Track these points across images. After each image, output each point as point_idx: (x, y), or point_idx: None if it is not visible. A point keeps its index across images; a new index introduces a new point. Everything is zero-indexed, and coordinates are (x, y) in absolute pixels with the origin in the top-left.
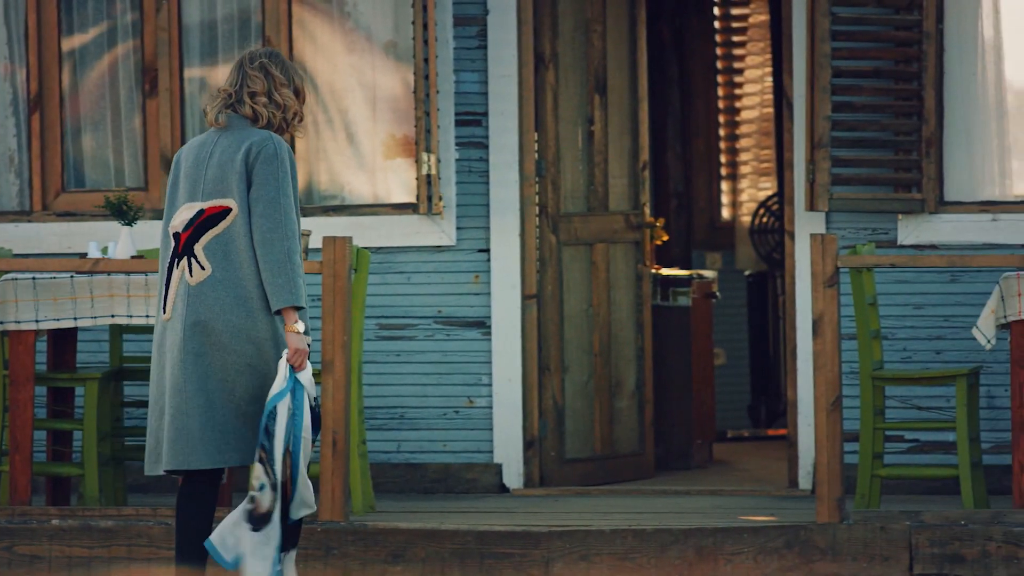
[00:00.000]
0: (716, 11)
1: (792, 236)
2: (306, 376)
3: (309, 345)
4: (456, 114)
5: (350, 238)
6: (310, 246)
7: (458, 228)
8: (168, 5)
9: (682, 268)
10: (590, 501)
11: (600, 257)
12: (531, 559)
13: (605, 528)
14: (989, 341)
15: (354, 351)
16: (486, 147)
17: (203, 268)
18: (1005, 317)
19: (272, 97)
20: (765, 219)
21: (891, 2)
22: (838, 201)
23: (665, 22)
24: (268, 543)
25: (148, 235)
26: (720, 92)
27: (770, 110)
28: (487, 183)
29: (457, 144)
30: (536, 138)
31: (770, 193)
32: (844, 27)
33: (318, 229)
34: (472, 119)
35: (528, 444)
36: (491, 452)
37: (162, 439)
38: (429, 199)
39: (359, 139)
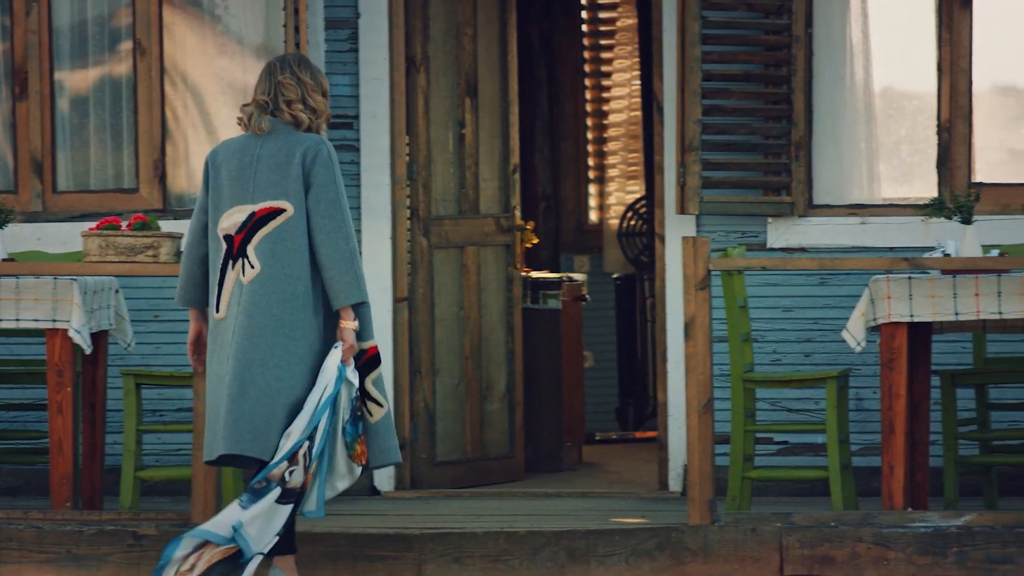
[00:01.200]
0: (584, 14)
1: (663, 239)
2: (352, 372)
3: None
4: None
5: None
6: (181, 249)
7: None
8: (38, 7)
9: (551, 271)
10: (461, 503)
11: (471, 260)
12: (404, 561)
13: (478, 530)
14: (859, 344)
15: None
16: (357, 150)
17: (253, 267)
18: (875, 320)
19: (307, 103)
20: (633, 222)
21: (761, 6)
22: (708, 204)
23: (534, 25)
24: (270, 523)
25: (19, 237)
26: (588, 95)
27: (638, 113)
28: (358, 186)
29: None
30: (407, 141)
31: (638, 196)
32: (714, 31)
33: None
34: (343, 122)
35: (400, 446)
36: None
37: (217, 431)
38: None
39: None
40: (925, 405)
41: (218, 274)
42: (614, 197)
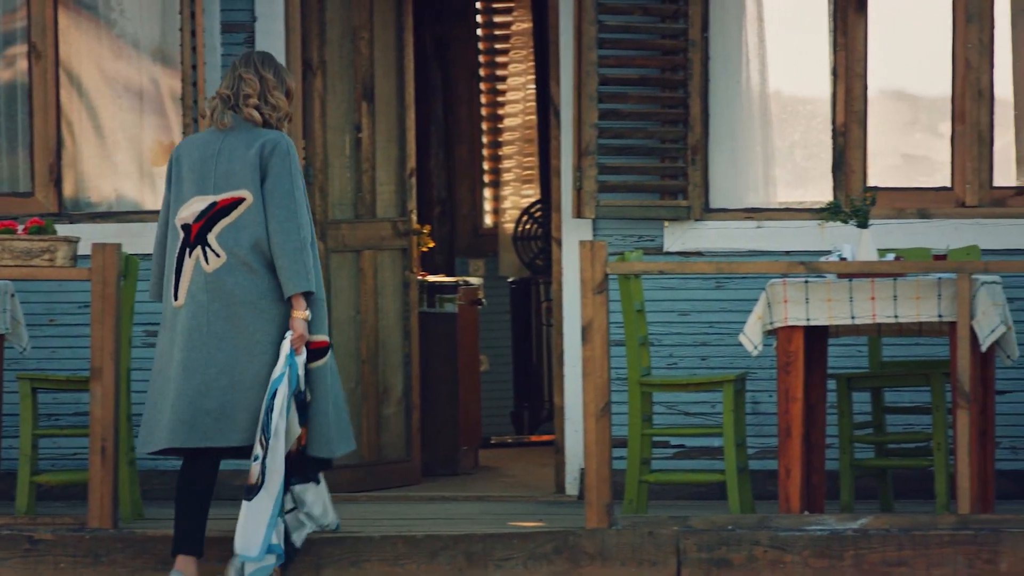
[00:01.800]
0: (479, 18)
1: (559, 243)
2: (300, 360)
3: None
4: None
5: (119, 245)
6: (79, 253)
7: None
8: None
9: (446, 275)
10: (359, 507)
11: (368, 264)
12: (302, 565)
13: (375, 534)
14: (756, 347)
15: (123, 358)
16: None
17: (218, 256)
18: (772, 323)
19: (266, 99)
20: (528, 226)
21: (657, 11)
22: (605, 208)
23: (428, 29)
24: (261, 512)
25: None
26: (483, 99)
27: (533, 117)
28: None
29: None
30: (304, 145)
31: (533, 200)
32: (611, 35)
33: (87, 236)
34: None
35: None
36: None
37: (161, 420)
38: None
39: (127, 145)
40: (821, 408)
41: (175, 262)
42: (509, 201)
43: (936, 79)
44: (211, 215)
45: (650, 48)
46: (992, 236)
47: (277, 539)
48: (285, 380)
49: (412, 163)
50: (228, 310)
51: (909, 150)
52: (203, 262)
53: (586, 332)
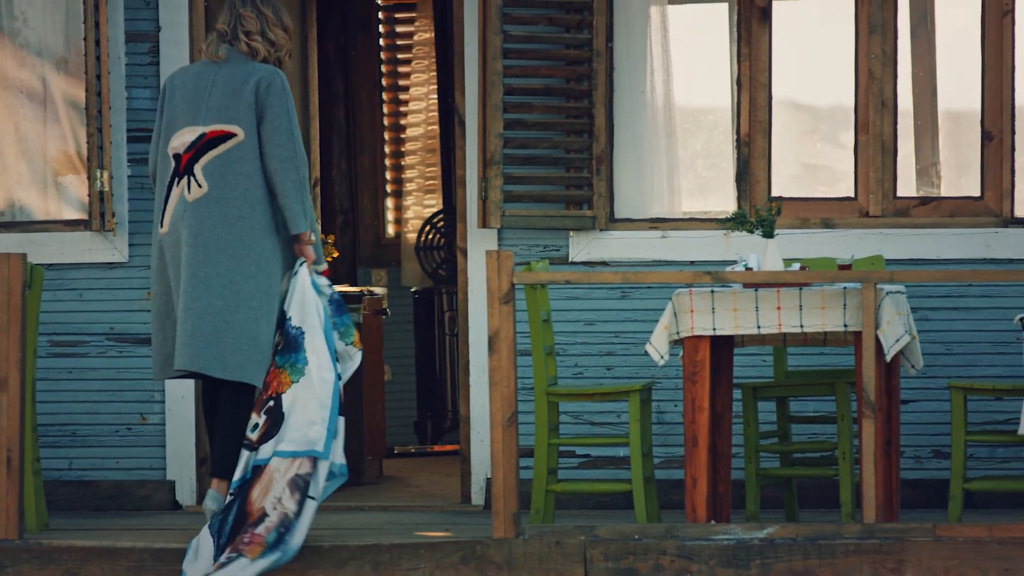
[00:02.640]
0: (381, 28)
1: (464, 253)
2: (322, 281)
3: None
4: (128, 130)
5: (24, 255)
6: None
7: (130, 245)
8: None
9: (349, 285)
10: None
11: None
12: None
13: None
14: (663, 357)
15: (28, 368)
16: None
17: (200, 186)
18: (678, 333)
19: (265, 35)
20: (431, 236)
21: (562, 21)
22: (510, 218)
23: (330, 39)
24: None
25: None
26: (386, 109)
27: (435, 127)
28: None
29: (129, 161)
30: None
31: (436, 210)
32: (516, 45)
33: None
34: (145, 135)
35: (201, 461)
36: (164, 469)
37: (169, 347)
38: (102, 216)
39: (31, 155)
40: (727, 418)
41: (164, 190)
42: (412, 211)
43: (839, 89)
44: (200, 146)
45: (555, 58)
46: (896, 246)
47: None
48: (321, 302)
49: (316, 173)
50: (205, 241)
51: (812, 160)
52: (186, 192)
53: (493, 342)
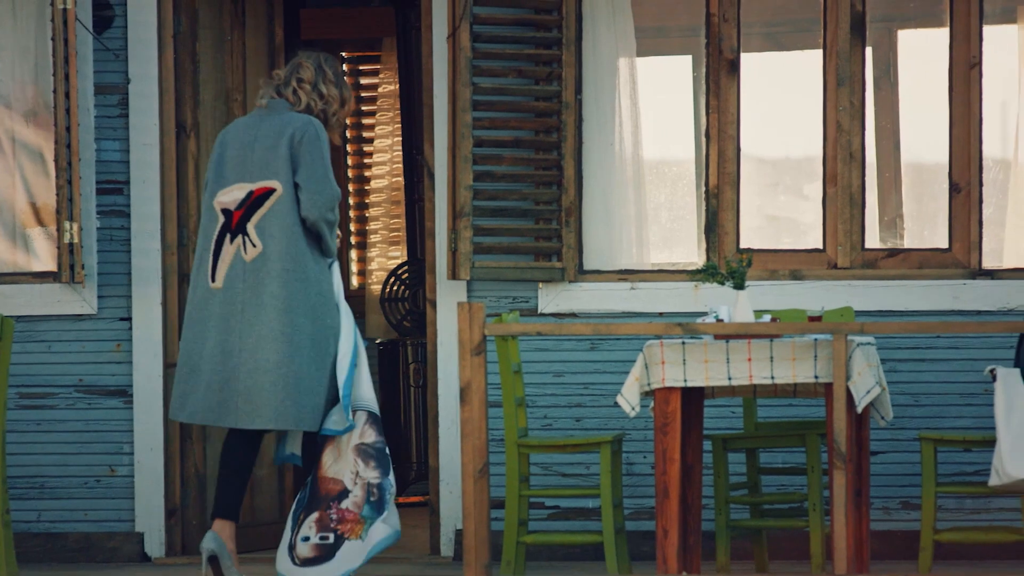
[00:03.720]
0: (346, 80)
1: (434, 305)
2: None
3: None
4: (98, 182)
5: None
6: None
7: (100, 297)
8: None
9: None
10: None
11: None
12: None
13: None
14: (634, 408)
15: None
16: (128, 215)
17: (254, 246)
18: (649, 384)
19: (317, 87)
20: (396, 288)
21: (532, 73)
22: (480, 270)
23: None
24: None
25: None
26: (350, 161)
27: (400, 179)
28: (129, 252)
29: (99, 212)
30: (178, 207)
31: (401, 262)
32: (485, 97)
33: None
34: (114, 187)
35: (170, 513)
36: (133, 521)
37: (195, 395)
38: (71, 267)
39: (0, 206)
40: (698, 469)
41: (212, 245)
42: (376, 263)
43: (807, 141)
44: (249, 204)
45: (524, 110)
46: (864, 297)
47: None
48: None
49: None
50: (260, 299)
51: (781, 212)
52: (243, 251)
53: (464, 393)
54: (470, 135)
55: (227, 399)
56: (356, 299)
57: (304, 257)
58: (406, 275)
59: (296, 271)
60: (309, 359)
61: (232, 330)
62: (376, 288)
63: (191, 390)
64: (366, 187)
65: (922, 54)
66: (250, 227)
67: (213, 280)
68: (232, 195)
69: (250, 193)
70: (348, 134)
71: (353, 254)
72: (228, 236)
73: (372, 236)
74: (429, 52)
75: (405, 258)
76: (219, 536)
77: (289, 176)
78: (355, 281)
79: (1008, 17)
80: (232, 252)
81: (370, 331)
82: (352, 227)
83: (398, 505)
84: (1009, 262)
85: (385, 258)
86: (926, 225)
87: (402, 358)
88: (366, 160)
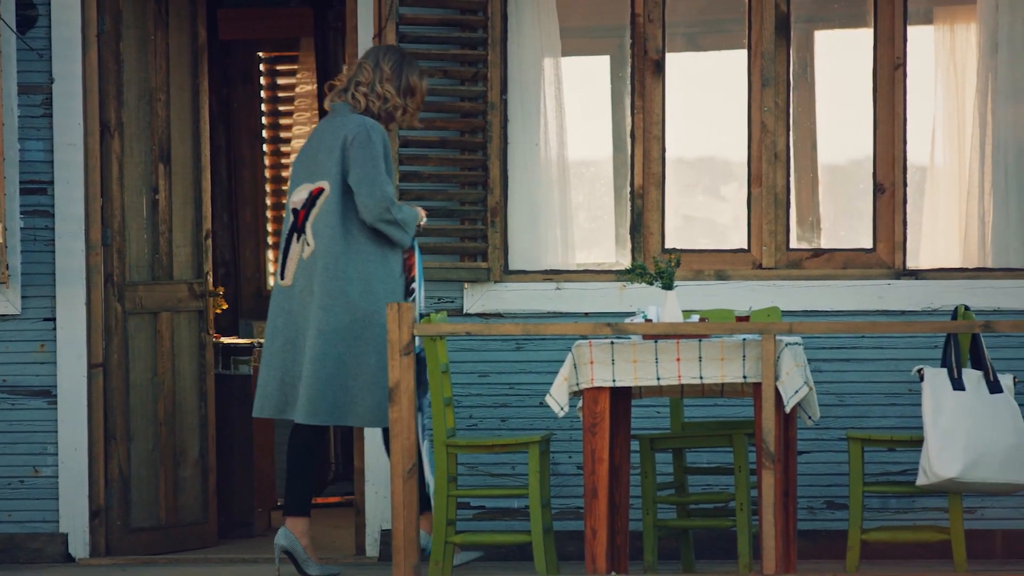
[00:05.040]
0: (263, 81)
1: None
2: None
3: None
4: (21, 182)
5: None
6: None
7: (23, 297)
8: None
9: (229, 336)
10: (157, 570)
11: (165, 326)
12: None
13: None
14: (563, 408)
15: None
16: (52, 216)
17: (309, 244)
18: (578, 384)
19: (374, 88)
20: None
21: (457, 73)
22: None
23: (212, 92)
24: None
25: None
26: (267, 161)
27: None
28: (53, 252)
29: (22, 213)
30: (102, 207)
31: None
32: None
33: None
34: (38, 188)
35: (94, 513)
36: (57, 522)
37: (270, 390)
38: None
39: None
40: (625, 469)
41: (284, 243)
42: None
43: (733, 142)
44: (309, 204)
45: (450, 110)
46: (789, 298)
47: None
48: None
49: (208, 225)
50: (312, 295)
51: (705, 212)
52: (304, 249)
53: (393, 393)
54: (396, 135)
55: (287, 394)
56: None
57: (343, 255)
58: None
59: (334, 268)
60: (344, 355)
61: (296, 326)
62: None
63: (264, 384)
64: (283, 187)
65: (847, 55)
66: (307, 226)
67: (283, 278)
68: (300, 195)
69: (310, 193)
70: (265, 134)
71: (271, 254)
72: (295, 235)
73: None
74: (355, 52)
75: None
76: (291, 533)
77: (337, 177)
78: (272, 282)
79: (926, 18)
80: (297, 251)
81: None
82: (270, 227)
83: (316, 505)
84: (933, 262)
85: None
86: (851, 225)
87: None
88: (283, 161)
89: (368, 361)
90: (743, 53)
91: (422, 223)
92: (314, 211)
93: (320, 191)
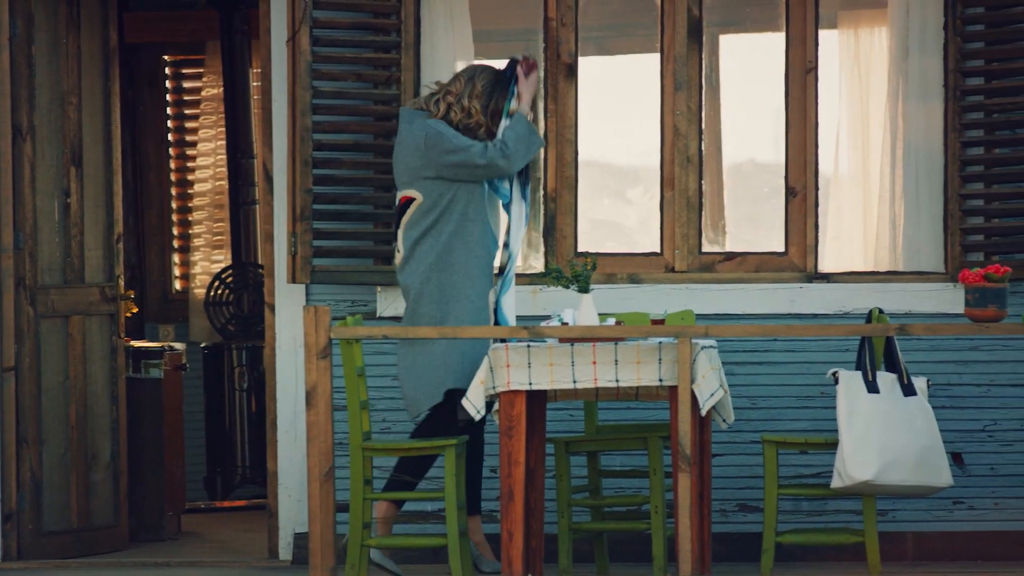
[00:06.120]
0: (168, 84)
1: (273, 309)
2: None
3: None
4: None
5: None
6: None
7: None
8: None
9: (135, 340)
10: (69, 574)
11: (76, 329)
12: None
13: None
14: (479, 412)
15: None
16: None
17: (399, 251)
18: (494, 388)
19: (461, 101)
20: (220, 291)
21: (371, 77)
22: (320, 274)
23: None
24: None
25: None
26: (173, 165)
27: (224, 183)
28: None
29: None
30: (14, 210)
31: (224, 265)
32: (325, 101)
33: None
34: None
35: (6, 517)
36: None
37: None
38: None
39: None
40: (540, 472)
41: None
42: (199, 266)
43: (645, 145)
44: (399, 212)
45: (364, 114)
46: (702, 301)
47: None
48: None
49: (119, 228)
50: (408, 303)
51: (618, 216)
52: (395, 255)
53: (311, 397)
54: (310, 139)
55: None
56: (179, 303)
57: (409, 261)
58: (231, 279)
59: (404, 270)
60: (404, 352)
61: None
62: (200, 292)
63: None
64: (189, 191)
65: (759, 58)
66: (399, 233)
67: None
68: (398, 199)
69: (399, 201)
70: (171, 137)
71: (176, 257)
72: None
73: (195, 240)
74: (268, 56)
75: (229, 261)
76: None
77: (422, 185)
78: (178, 285)
79: (838, 22)
80: (398, 257)
81: (194, 335)
82: (175, 230)
83: (224, 509)
84: (844, 266)
85: (208, 262)
86: (763, 229)
87: (227, 362)
88: (189, 164)
89: (406, 358)
90: (656, 57)
91: (525, 112)
92: (404, 219)
93: (408, 200)
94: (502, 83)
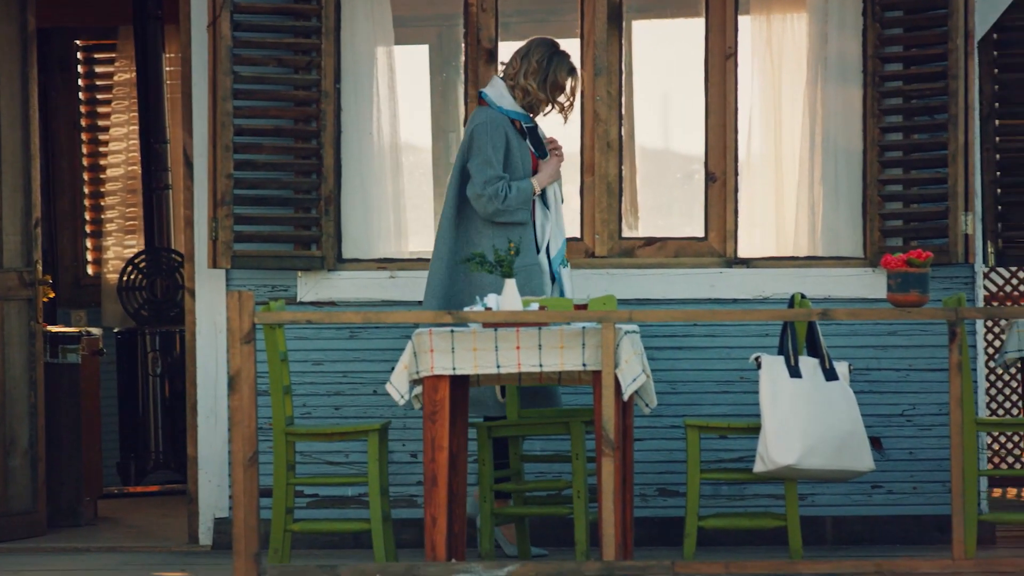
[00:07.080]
0: (80, 69)
1: (192, 294)
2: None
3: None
4: None
5: None
6: None
7: None
8: None
9: (48, 325)
10: None
11: None
12: None
13: None
14: (403, 396)
15: None
16: None
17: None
18: (418, 372)
19: (519, 82)
20: (133, 276)
21: (291, 62)
22: (240, 259)
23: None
24: None
25: None
26: (85, 150)
27: (136, 168)
28: None
29: None
30: None
31: (137, 251)
32: (245, 86)
33: None
34: None
35: None
36: None
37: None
38: None
39: None
40: (463, 457)
41: None
42: (112, 251)
43: (566, 131)
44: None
45: (284, 99)
46: (623, 286)
47: None
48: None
49: (37, 213)
50: None
51: None
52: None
53: (234, 381)
54: (231, 124)
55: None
56: (92, 288)
57: (441, 239)
58: (144, 264)
59: (436, 248)
60: None
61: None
62: (113, 277)
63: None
64: (101, 176)
65: (679, 44)
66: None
67: None
68: None
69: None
70: (83, 123)
71: (88, 243)
72: None
73: (108, 224)
74: (188, 41)
75: (142, 247)
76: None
77: (459, 164)
78: (91, 270)
79: (757, 8)
80: None
81: (106, 320)
82: (87, 216)
83: (137, 494)
84: (764, 251)
85: (121, 247)
86: (683, 214)
87: (140, 347)
88: (101, 149)
89: None
90: (576, 42)
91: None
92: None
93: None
94: (559, 54)
